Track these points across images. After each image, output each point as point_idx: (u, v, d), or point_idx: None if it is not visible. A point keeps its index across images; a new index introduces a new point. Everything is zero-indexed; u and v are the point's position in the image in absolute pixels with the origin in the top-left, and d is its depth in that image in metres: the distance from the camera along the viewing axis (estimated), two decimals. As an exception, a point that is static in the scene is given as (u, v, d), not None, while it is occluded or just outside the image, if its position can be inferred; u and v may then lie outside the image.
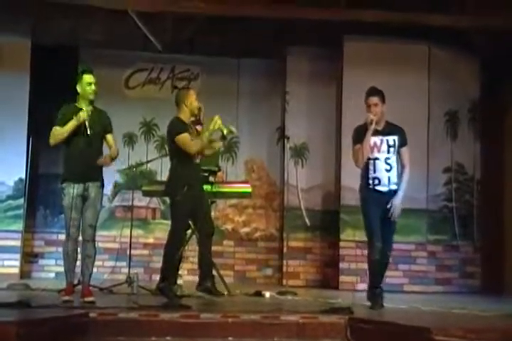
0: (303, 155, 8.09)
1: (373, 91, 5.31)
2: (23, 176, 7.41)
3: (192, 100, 5.69)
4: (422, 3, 7.26)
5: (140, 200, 7.62)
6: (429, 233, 7.59)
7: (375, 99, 5.25)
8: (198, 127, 6.49)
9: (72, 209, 4.96)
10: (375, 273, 5.25)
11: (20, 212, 7.49)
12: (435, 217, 7.69)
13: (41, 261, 7.79)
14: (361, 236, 7.49)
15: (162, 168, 7.80)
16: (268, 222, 8.26)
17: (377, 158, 5.24)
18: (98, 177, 5.08)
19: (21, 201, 7.47)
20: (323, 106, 8.13)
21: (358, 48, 7.72)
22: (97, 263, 7.46)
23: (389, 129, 5.30)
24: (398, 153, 5.29)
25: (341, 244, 7.53)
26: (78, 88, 5.11)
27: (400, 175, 5.26)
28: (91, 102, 5.13)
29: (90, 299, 4.95)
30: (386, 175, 5.24)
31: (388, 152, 5.25)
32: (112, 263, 7.22)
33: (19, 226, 7.47)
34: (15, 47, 7.57)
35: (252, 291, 6.16)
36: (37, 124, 7.34)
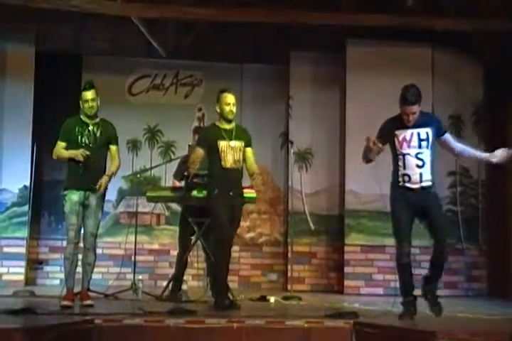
0: (307, 160, 8.10)
1: (412, 101, 4.72)
2: (28, 183, 7.45)
3: (223, 105, 5.44)
4: (424, 6, 7.26)
5: (144, 206, 7.62)
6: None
7: (414, 108, 4.74)
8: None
9: (72, 214, 5.09)
10: (405, 278, 4.83)
11: (25, 219, 7.50)
12: (440, 220, 7.67)
13: (46, 268, 7.80)
14: (366, 240, 7.55)
15: (166, 174, 7.81)
16: (273, 227, 8.26)
17: (407, 154, 4.79)
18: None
19: (26, 208, 7.50)
20: (327, 110, 8.13)
21: (361, 52, 7.73)
22: (102, 269, 7.65)
23: (422, 120, 4.81)
24: (440, 143, 4.87)
25: (346, 248, 7.53)
26: (80, 104, 5.24)
27: (432, 170, 4.82)
28: (95, 116, 5.24)
29: (88, 302, 5.06)
30: (418, 172, 4.78)
31: (420, 147, 4.79)
32: (116, 270, 7.20)
33: (24, 233, 7.48)
34: (19, 55, 7.60)
35: (257, 296, 6.16)
36: (41, 131, 7.37)
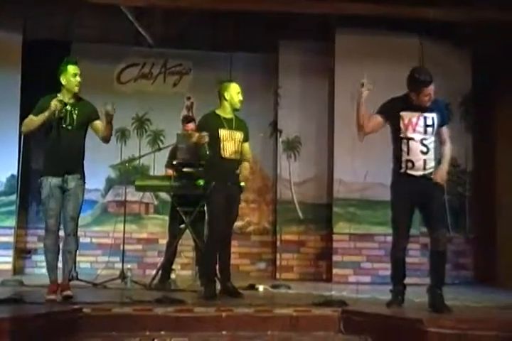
0: (295, 149, 8.10)
1: (430, 80, 4.56)
2: (16, 172, 7.41)
3: (233, 94, 5.41)
4: (414, -4, 7.27)
5: (133, 195, 7.60)
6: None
7: (432, 87, 4.57)
8: (191, 124, 6.47)
9: (50, 199, 4.79)
10: (397, 269, 4.73)
11: (13, 208, 7.47)
12: (428, 209, 7.71)
13: (34, 257, 7.77)
14: (354, 228, 7.58)
15: (155, 163, 7.81)
16: (261, 216, 8.27)
17: (411, 138, 4.58)
18: (77, 169, 4.89)
19: (14, 197, 7.47)
20: (316, 99, 8.13)
21: (350, 42, 7.72)
22: (90, 258, 7.66)
23: (429, 106, 4.63)
24: (437, 133, 4.66)
25: (334, 237, 7.55)
26: (62, 79, 4.90)
27: (436, 155, 4.65)
28: (74, 94, 4.94)
29: (68, 293, 4.77)
30: (422, 158, 4.57)
31: (425, 132, 4.60)
32: (105, 259, 7.22)
33: (12, 222, 7.46)
34: (6, 43, 7.50)
35: (246, 285, 6.16)
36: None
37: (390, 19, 7.33)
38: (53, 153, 4.85)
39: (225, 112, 5.45)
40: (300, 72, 8.17)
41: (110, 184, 8.04)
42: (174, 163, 6.10)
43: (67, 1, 7.16)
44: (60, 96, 4.86)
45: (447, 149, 4.70)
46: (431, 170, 4.62)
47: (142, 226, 8.06)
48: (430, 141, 4.62)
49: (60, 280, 4.86)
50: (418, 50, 7.80)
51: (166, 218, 6.57)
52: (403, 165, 4.61)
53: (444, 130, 4.73)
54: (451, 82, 8.02)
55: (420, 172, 4.60)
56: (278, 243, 7.52)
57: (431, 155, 4.62)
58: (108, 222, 7.82)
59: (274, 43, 8.15)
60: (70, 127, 4.86)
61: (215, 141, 5.33)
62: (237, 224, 8.12)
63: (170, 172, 6.37)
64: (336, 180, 7.63)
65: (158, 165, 7.52)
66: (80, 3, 7.23)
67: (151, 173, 7.83)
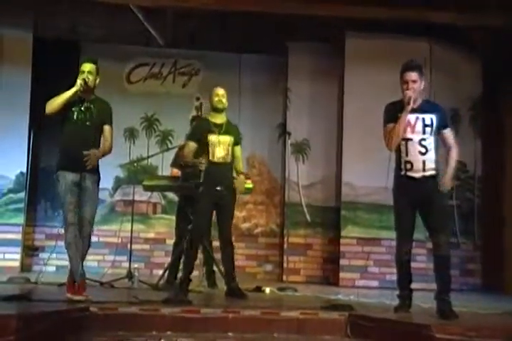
0: (304, 152, 8.10)
1: (412, 66, 4.56)
2: (24, 170, 7.43)
3: (212, 97, 5.55)
4: (424, 0, 7.25)
5: (141, 195, 7.61)
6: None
7: (413, 75, 4.51)
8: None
9: (68, 193, 4.64)
10: (402, 273, 4.66)
11: (21, 205, 7.49)
12: (436, 214, 7.68)
13: (42, 255, 7.79)
14: (362, 232, 7.56)
15: (163, 163, 7.81)
16: (269, 218, 8.27)
17: (410, 139, 4.53)
18: (95, 169, 4.77)
19: (22, 195, 7.48)
20: (325, 102, 8.13)
21: (360, 45, 7.72)
22: (97, 257, 7.66)
23: (426, 107, 4.60)
24: (438, 135, 4.58)
25: (342, 240, 7.54)
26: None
27: (438, 159, 4.58)
28: (91, 92, 4.87)
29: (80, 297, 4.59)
30: (420, 159, 4.51)
31: (424, 132, 4.53)
32: (112, 258, 7.22)
33: (20, 219, 7.48)
34: (17, 42, 7.56)
35: (252, 287, 6.15)
36: (38, 118, 7.33)
37: (399, 23, 7.33)
38: (71, 147, 4.74)
39: (215, 117, 5.57)
40: (309, 74, 8.17)
41: (118, 183, 8.05)
42: (182, 163, 6.09)
43: (77, 1, 7.16)
44: (85, 76, 4.77)
45: (453, 155, 4.61)
46: (431, 171, 4.54)
47: (150, 226, 8.07)
48: (429, 142, 4.55)
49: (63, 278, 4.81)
50: (427, 54, 7.78)
51: (174, 218, 6.56)
52: (402, 166, 4.57)
53: (448, 134, 4.65)
54: (461, 86, 8.01)
55: (420, 174, 4.53)
56: (285, 245, 7.50)
57: (430, 155, 4.55)
58: (115, 221, 7.84)
59: (284, 45, 8.16)
60: (88, 123, 4.80)
61: (205, 146, 5.44)
62: (245, 225, 8.16)
63: (175, 171, 6.37)
64: (344, 183, 7.61)
65: (166, 166, 7.50)
66: (90, 2, 7.23)
67: (159, 173, 7.84)
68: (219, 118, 5.56)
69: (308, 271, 7.90)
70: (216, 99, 5.55)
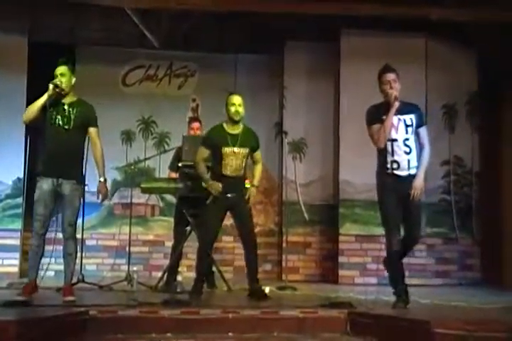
0: (301, 150, 8.10)
1: (390, 68, 4.94)
2: (22, 175, 7.42)
3: (229, 106, 5.44)
4: (418, -4, 7.25)
5: (139, 197, 7.60)
6: (428, 226, 7.59)
7: (393, 76, 4.88)
8: (196, 124, 6.49)
9: (40, 203, 4.74)
10: (394, 266, 4.89)
11: (19, 211, 7.48)
12: (434, 210, 7.68)
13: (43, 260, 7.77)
14: (360, 230, 7.56)
15: (160, 165, 7.82)
16: (267, 217, 8.27)
17: (395, 140, 4.81)
18: (73, 173, 4.81)
19: (20, 200, 7.47)
20: (321, 100, 8.13)
21: (355, 42, 7.71)
22: (96, 260, 7.66)
23: (405, 108, 4.88)
24: (416, 134, 4.88)
25: (340, 238, 7.54)
26: None
27: (418, 157, 4.86)
28: (69, 95, 4.89)
29: (70, 298, 4.74)
30: (406, 158, 4.80)
31: (406, 132, 4.83)
32: (111, 261, 7.23)
33: (18, 225, 7.46)
34: (12, 45, 7.53)
35: (252, 286, 6.15)
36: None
37: (395, 19, 7.32)
38: (48, 153, 4.77)
39: (231, 126, 5.47)
40: (305, 73, 8.16)
41: (116, 186, 8.04)
42: (180, 164, 6.09)
43: (72, 4, 7.16)
44: (57, 81, 4.81)
45: (425, 155, 4.87)
46: (414, 169, 4.82)
47: (148, 229, 8.06)
48: (412, 141, 4.85)
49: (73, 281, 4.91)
50: (423, 50, 7.79)
51: (172, 220, 6.56)
52: (389, 166, 4.82)
53: (423, 132, 4.92)
54: (458, 81, 8.02)
55: (405, 172, 4.81)
56: (284, 244, 7.50)
57: (413, 155, 4.85)
58: (114, 224, 7.84)
59: (280, 44, 8.15)
60: (66, 126, 4.80)
61: (218, 158, 5.40)
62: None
63: (173, 175, 6.38)
64: (341, 181, 7.62)
65: (163, 168, 7.50)
66: (85, 5, 7.23)
67: (157, 175, 7.85)
68: (235, 129, 5.46)
69: (307, 270, 7.90)
70: (233, 109, 5.41)
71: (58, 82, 4.82)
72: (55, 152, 4.75)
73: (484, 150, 8.16)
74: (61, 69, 4.90)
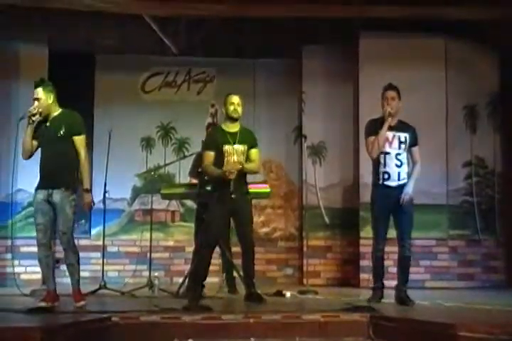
0: (321, 154, 8.08)
1: (392, 86, 5.46)
2: (43, 183, 7.47)
3: (227, 105, 5.57)
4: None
5: (159, 203, 7.63)
6: (450, 228, 7.53)
7: (393, 93, 5.39)
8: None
9: (37, 213, 4.92)
10: (377, 268, 5.43)
11: (41, 218, 7.52)
12: (456, 212, 7.62)
13: (63, 267, 7.80)
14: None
15: (180, 171, 7.84)
16: (287, 222, 8.26)
17: (388, 153, 5.34)
18: (63, 182, 4.90)
19: (42, 208, 7.52)
20: (340, 104, 8.10)
21: (374, 45, 7.67)
22: (118, 267, 7.69)
23: (401, 127, 5.42)
24: (409, 152, 5.40)
25: (361, 241, 7.48)
26: None
27: (410, 172, 5.38)
28: (51, 109, 5.02)
29: (81, 303, 4.86)
30: (396, 171, 5.32)
31: (399, 148, 5.36)
32: (132, 267, 7.25)
33: (40, 232, 7.50)
34: (32, 56, 7.61)
35: (273, 291, 6.13)
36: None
37: (413, 21, 7.28)
38: (40, 167, 5.00)
39: (229, 126, 5.59)
40: (324, 76, 8.14)
41: (136, 193, 8.08)
42: (200, 170, 6.10)
43: (90, 12, 7.21)
44: (31, 109, 4.94)
45: (416, 169, 5.41)
46: (404, 180, 5.33)
47: (169, 234, 8.08)
48: (403, 156, 5.37)
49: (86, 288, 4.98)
50: (443, 52, 7.73)
51: (193, 226, 6.58)
52: (380, 176, 5.35)
53: (416, 151, 5.44)
54: (478, 81, 7.94)
55: (395, 183, 5.32)
56: (305, 248, 7.47)
57: (404, 168, 5.36)
58: (135, 231, 7.88)
59: (298, 48, 8.14)
60: (52, 139, 4.94)
61: (220, 156, 5.48)
62: (264, 230, 8.16)
63: (193, 180, 6.39)
64: (362, 184, 7.58)
65: (183, 173, 7.54)
66: (103, 14, 7.28)
67: (177, 181, 7.87)
68: (233, 127, 5.58)
69: (328, 274, 7.86)
70: (231, 108, 5.55)
71: (33, 110, 4.93)
72: (45, 165, 4.98)
73: (506, 150, 8.07)
74: (35, 92, 5.04)
